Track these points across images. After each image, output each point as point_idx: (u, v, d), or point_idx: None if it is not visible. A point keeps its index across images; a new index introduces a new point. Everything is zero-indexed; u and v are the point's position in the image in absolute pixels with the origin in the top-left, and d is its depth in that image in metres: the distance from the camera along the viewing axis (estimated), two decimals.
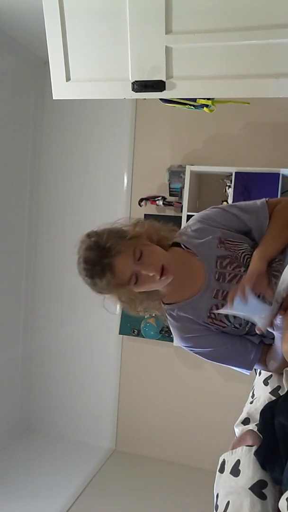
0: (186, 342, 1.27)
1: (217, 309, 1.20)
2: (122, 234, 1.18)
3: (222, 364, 1.30)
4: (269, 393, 1.27)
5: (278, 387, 1.27)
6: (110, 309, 1.29)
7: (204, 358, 1.29)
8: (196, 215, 1.34)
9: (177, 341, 1.30)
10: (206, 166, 3.00)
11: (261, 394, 1.31)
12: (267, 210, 1.26)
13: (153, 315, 3.17)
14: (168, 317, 1.29)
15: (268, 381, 1.32)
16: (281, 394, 1.22)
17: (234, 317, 1.19)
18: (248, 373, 1.29)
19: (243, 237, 1.26)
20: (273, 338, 1.18)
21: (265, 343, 1.24)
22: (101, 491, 3.01)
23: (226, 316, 1.19)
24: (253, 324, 1.18)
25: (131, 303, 1.25)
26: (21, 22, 2.85)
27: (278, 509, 0.88)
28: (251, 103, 1.95)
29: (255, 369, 1.49)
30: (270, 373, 1.32)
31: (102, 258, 1.12)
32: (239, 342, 1.24)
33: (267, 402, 1.22)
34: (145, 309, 1.31)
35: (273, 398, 1.23)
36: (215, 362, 1.29)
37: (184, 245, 1.27)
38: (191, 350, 1.28)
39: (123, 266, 1.13)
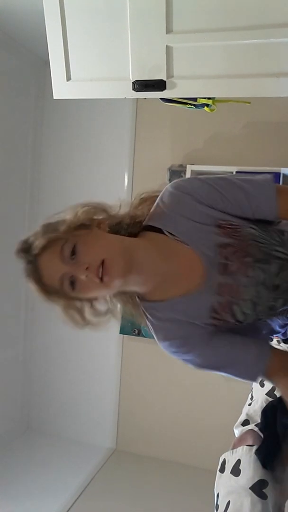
0: (172, 346, 1.03)
1: (221, 307, 0.97)
2: (55, 227, 0.92)
3: (221, 373, 1.09)
4: (265, 394, 1.27)
5: (274, 388, 1.27)
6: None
7: (197, 367, 1.08)
8: (177, 187, 1.00)
9: (162, 346, 1.04)
10: (206, 166, 2.99)
11: (259, 396, 1.32)
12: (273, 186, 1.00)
13: None
14: (149, 317, 1.02)
15: (264, 382, 1.32)
16: (277, 395, 1.22)
17: (244, 313, 0.98)
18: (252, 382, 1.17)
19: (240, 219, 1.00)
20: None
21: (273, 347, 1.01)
22: (101, 491, 3.00)
23: (232, 313, 0.98)
24: (259, 317, 1.01)
25: (77, 314, 0.96)
26: (21, 22, 2.85)
27: (279, 508, 0.88)
28: (252, 102, 1.94)
29: None
30: None
31: (28, 263, 0.94)
32: (241, 343, 1.00)
33: (264, 403, 1.22)
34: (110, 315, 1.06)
35: (270, 399, 1.23)
36: (211, 370, 1.10)
37: (167, 231, 0.97)
38: (179, 356, 1.05)
39: (48, 269, 0.91)
